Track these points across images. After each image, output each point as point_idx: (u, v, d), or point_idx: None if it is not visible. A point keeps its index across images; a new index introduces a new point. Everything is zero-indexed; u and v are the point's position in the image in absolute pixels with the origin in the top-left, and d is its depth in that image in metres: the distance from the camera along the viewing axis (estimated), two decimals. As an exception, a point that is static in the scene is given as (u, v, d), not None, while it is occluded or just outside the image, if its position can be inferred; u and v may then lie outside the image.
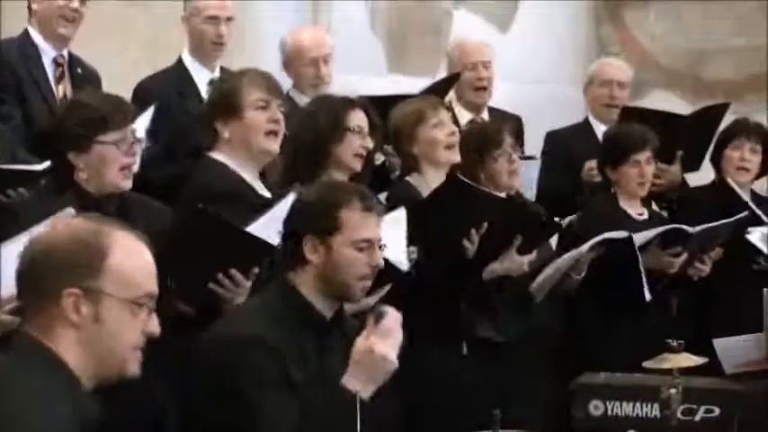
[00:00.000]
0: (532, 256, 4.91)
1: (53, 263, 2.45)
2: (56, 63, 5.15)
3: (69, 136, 3.90)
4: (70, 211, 3.55)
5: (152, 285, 2.50)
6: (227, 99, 4.23)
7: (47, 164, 4.01)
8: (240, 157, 4.18)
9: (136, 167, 4.08)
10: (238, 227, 3.80)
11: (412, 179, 4.88)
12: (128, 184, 3.94)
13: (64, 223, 2.55)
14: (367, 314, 3.32)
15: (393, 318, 3.24)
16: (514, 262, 4.84)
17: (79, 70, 5.23)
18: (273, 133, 4.20)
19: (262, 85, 4.26)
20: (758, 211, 5.39)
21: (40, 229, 3.45)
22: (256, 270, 3.81)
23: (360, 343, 3.20)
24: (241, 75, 4.52)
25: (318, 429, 3.13)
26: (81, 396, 2.44)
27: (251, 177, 4.19)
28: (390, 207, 4.52)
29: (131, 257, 2.48)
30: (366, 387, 3.17)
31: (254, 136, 4.17)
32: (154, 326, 2.50)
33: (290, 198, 3.86)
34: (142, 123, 4.55)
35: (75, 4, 5.10)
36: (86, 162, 3.85)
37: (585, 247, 4.96)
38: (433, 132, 4.89)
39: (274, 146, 4.21)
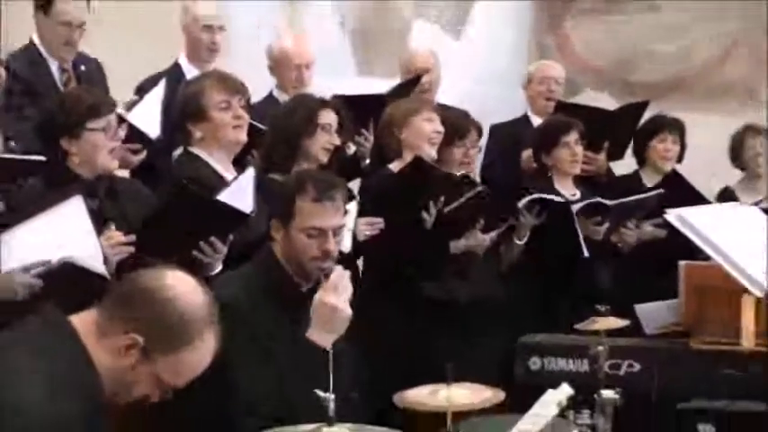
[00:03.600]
0: (493, 234, 4.98)
1: (151, 315, 2.44)
2: (62, 69, 5.12)
3: (63, 124, 3.90)
4: (79, 199, 3.60)
5: (182, 383, 2.50)
6: (193, 104, 4.25)
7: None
8: (213, 149, 4.23)
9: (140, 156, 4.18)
10: (213, 197, 3.84)
11: (392, 166, 4.94)
12: (115, 165, 3.99)
13: (186, 293, 2.49)
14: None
15: (339, 273, 3.31)
16: (477, 239, 4.93)
17: (83, 68, 5.19)
18: (239, 126, 4.23)
19: (222, 88, 4.30)
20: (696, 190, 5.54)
21: (48, 217, 3.55)
22: (231, 237, 3.84)
23: (315, 298, 3.25)
24: (203, 79, 4.57)
25: (294, 383, 3.12)
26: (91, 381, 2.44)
27: (222, 167, 4.23)
28: (363, 191, 4.62)
29: (195, 365, 2.49)
30: (326, 337, 3.21)
31: (222, 132, 4.22)
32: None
33: (250, 171, 4.01)
34: (146, 110, 4.56)
35: (76, 36, 5.10)
36: (78, 147, 3.86)
37: (522, 203, 5.09)
38: (423, 124, 4.98)
39: (241, 136, 4.27)
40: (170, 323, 2.43)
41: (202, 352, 2.48)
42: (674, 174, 5.79)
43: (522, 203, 5.11)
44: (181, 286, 2.50)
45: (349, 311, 3.28)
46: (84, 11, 5.11)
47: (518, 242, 5.12)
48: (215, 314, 2.51)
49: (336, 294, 3.26)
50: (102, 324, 2.45)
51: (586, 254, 5.14)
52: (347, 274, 3.35)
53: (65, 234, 3.53)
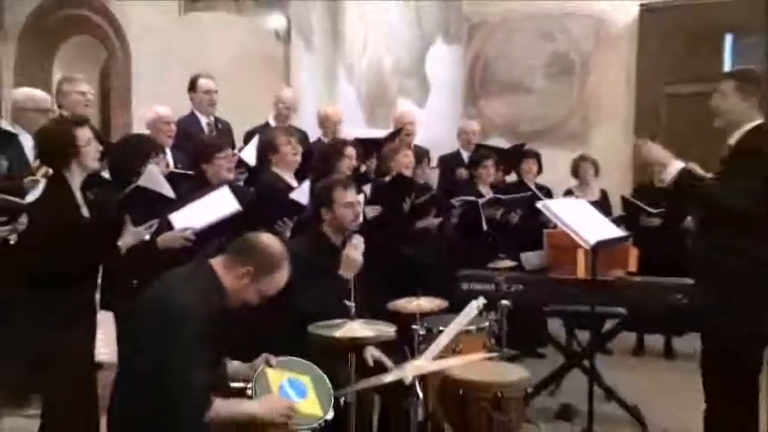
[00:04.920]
0: (440, 219, 4.96)
1: (257, 255, 2.51)
2: (209, 126, 5.10)
3: (202, 155, 3.94)
4: (225, 187, 3.64)
5: (272, 294, 2.56)
6: (270, 143, 4.23)
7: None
8: (283, 168, 4.20)
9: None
10: (287, 195, 3.86)
11: (385, 179, 4.89)
12: (231, 176, 3.99)
13: (273, 244, 2.58)
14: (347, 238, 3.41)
15: (358, 238, 3.34)
16: (431, 221, 4.91)
17: (219, 125, 5.18)
18: (296, 153, 4.21)
19: (285, 133, 4.30)
20: (538, 194, 5.50)
21: (201, 201, 3.57)
22: (295, 217, 3.84)
23: (344, 253, 3.29)
24: (275, 129, 4.63)
25: (330, 297, 3.08)
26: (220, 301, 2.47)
27: (289, 178, 4.19)
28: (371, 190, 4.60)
29: (279, 282, 2.56)
30: (349, 273, 3.24)
31: (287, 158, 4.19)
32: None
33: (306, 182, 3.95)
34: (249, 150, 4.53)
35: (215, 97, 5.07)
36: (210, 168, 3.89)
37: (455, 202, 5.11)
38: (403, 158, 4.93)
39: (297, 159, 4.24)
40: (267, 259, 2.52)
41: (283, 274, 2.55)
42: (521, 182, 5.87)
43: (456, 201, 5.11)
44: (270, 240, 2.59)
45: (361, 260, 3.30)
46: (213, 83, 5.13)
47: (451, 222, 5.09)
48: (287, 255, 2.58)
49: (356, 252, 3.29)
50: (229, 262, 2.52)
51: (485, 228, 5.13)
52: (362, 239, 3.37)
53: (219, 207, 3.56)
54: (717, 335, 3.14)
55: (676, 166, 3.21)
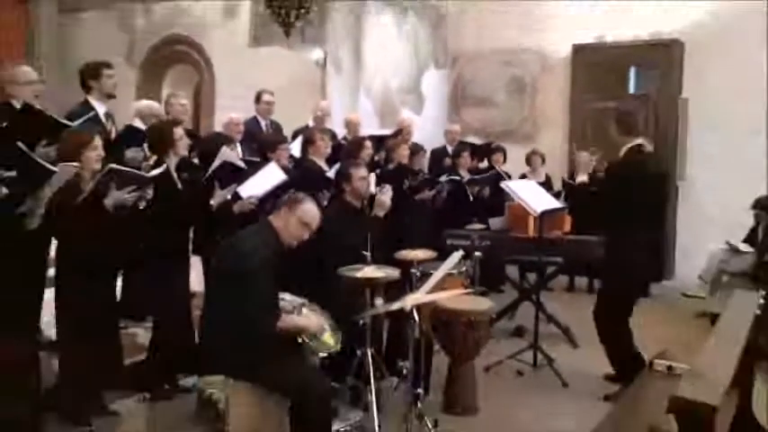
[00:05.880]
0: (432, 192, 4.80)
1: (285, 199, 2.45)
2: (266, 126, 4.96)
3: (266, 146, 3.84)
4: (274, 164, 3.55)
5: (313, 227, 2.43)
6: (310, 138, 4.07)
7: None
8: (318, 156, 4.04)
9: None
10: (324, 174, 3.74)
11: (391, 166, 4.71)
12: (286, 163, 3.83)
13: (298, 195, 2.47)
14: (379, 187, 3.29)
15: (388, 187, 3.22)
16: (425, 195, 4.74)
17: (273, 126, 5.02)
18: (327, 146, 4.06)
19: (320, 131, 4.17)
20: (502, 174, 5.31)
21: (257, 176, 3.43)
22: (332, 190, 3.68)
23: (378, 197, 3.16)
24: (313, 129, 4.45)
25: (356, 234, 2.93)
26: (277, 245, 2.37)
27: (322, 164, 4.03)
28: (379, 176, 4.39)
29: (310, 210, 2.42)
30: (380, 212, 3.14)
31: (321, 150, 4.03)
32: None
33: (336, 166, 3.75)
34: (295, 145, 4.41)
35: (272, 108, 4.94)
36: (273, 156, 3.75)
37: (443, 179, 4.90)
38: (403, 151, 4.75)
39: (328, 150, 4.08)
40: (292, 197, 2.44)
41: (309, 203, 2.41)
42: (491, 167, 5.67)
43: (443, 179, 4.92)
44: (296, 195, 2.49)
45: (389, 202, 3.18)
46: (273, 97, 4.98)
47: (442, 195, 4.90)
48: (305, 196, 2.45)
49: (385, 196, 3.17)
50: (275, 212, 2.44)
51: (471, 199, 4.97)
52: (390, 187, 3.28)
53: (270, 178, 3.49)
54: (611, 279, 3.24)
55: (583, 177, 3.47)
